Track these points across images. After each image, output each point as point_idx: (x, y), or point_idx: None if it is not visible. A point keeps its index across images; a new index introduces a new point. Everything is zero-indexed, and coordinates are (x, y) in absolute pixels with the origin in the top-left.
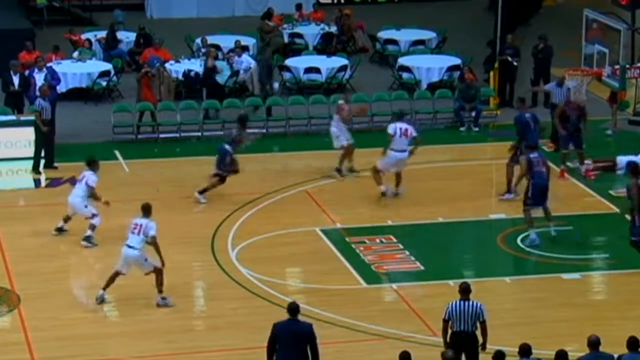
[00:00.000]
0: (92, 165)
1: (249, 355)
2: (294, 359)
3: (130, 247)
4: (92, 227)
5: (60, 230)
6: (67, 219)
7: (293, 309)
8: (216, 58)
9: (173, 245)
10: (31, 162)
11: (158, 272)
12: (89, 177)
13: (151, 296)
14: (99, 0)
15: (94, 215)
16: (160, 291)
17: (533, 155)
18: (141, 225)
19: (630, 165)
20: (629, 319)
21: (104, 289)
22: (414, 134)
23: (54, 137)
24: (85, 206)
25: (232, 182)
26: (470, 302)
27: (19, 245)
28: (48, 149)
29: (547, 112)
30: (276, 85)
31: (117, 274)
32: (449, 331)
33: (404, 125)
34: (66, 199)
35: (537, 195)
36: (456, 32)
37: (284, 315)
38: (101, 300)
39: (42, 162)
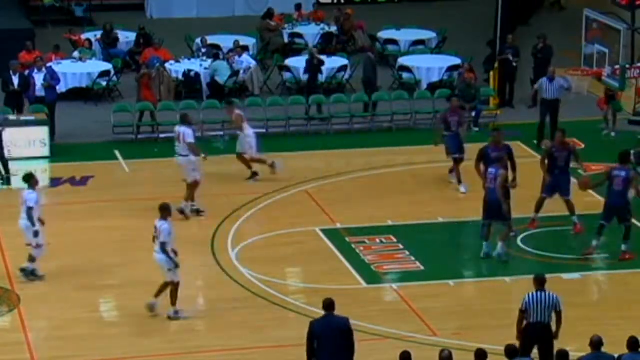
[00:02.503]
0: (29, 182)
1: (249, 355)
2: (335, 354)
3: (156, 251)
4: (32, 259)
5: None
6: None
7: (329, 304)
8: (217, 58)
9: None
10: (31, 162)
11: (175, 285)
12: (26, 196)
13: (150, 295)
14: (99, 0)
15: (38, 246)
16: (173, 304)
17: (489, 170)
18: (157, 229)
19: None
20: (629, 319)
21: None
22: (188, 139)
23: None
24: (36, 233)
25: (232, 182)
26: (547, 293)
27: (19, 245)
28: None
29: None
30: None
31: (166, 284)
32: (524, 322)
33: (181, 129)
34: (67, 198)
35: (484, 209)
36: (456, 32)
37: (284, 315)
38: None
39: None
